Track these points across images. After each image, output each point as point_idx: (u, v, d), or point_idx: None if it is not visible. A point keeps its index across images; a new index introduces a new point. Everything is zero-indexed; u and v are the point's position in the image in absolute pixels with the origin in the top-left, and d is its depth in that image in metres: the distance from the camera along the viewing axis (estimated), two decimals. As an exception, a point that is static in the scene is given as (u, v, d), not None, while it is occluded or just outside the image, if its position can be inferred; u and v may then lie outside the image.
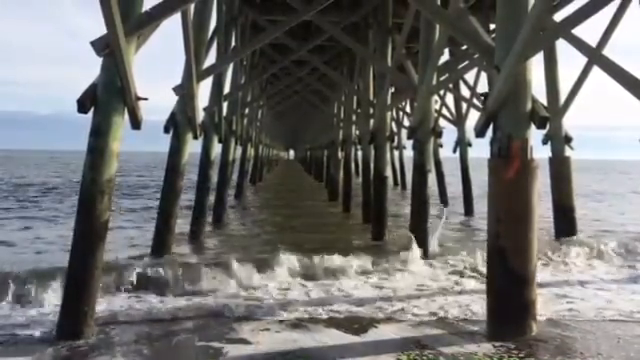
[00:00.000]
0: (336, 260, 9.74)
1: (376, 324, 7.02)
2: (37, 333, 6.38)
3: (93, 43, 6.27)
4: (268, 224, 16.70)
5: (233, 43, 16.07)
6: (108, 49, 6.28)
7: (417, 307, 7.77)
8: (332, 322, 7.07)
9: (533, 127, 6.78)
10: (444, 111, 23.71)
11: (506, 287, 6.52)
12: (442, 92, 23.44)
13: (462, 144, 22.85)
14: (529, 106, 6.71)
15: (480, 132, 7.11)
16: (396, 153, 36.79)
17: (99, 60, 6.52)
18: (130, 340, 6.34)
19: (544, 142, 14.51)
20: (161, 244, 10.32)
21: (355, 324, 7.00)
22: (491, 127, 6.95)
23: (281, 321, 7.07)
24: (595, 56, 11.39)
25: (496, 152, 6.79)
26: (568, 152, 14.40)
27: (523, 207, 6.56)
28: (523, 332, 6.38)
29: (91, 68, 6.84)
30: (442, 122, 23.59)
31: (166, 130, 10.69)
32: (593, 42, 11.68)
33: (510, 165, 6.60)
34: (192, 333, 6.60)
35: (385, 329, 6.83)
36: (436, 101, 20.42)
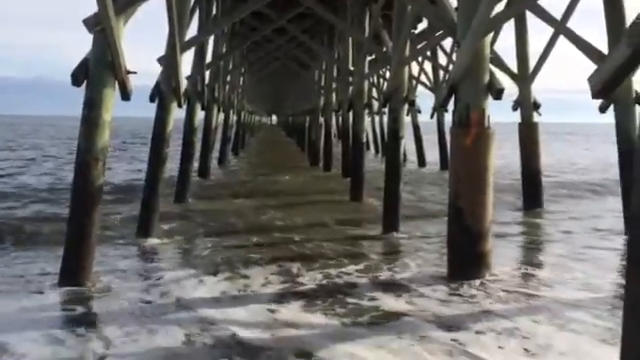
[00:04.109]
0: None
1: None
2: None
3: (85, 21, 6.74)
4: (250, 187, 17.50)
5: (214, 11, 16.37)
6: (99, 26, 6.76)
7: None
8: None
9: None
10: (422, 78, 24.44)
11: (463, 242, 7.31)
12: (420, 59, 24.03)
13: (439, 110, 23.77)
14: (487, 79, 7.37)
15: (443, 103, 7.78)
16: (377, 119, 37.44)
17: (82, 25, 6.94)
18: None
19: (514, 108, 15.22)
20: (147, 217, 10.53)
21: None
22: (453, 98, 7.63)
23: None
24: (560, 29, 12.01)
25: (457, 121, 7.48)
26: (536, 118, 15.19)
27: (480, 171, 7.30)
28: (478, 277, 7.20)
29: (75, 34, 7.23)
30: (420, 88, 24.40)
31: (151, 99, 11.16)
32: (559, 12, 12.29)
33: (469, 133, 7.30)
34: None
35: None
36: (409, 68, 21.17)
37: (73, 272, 6.98)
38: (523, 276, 7.68)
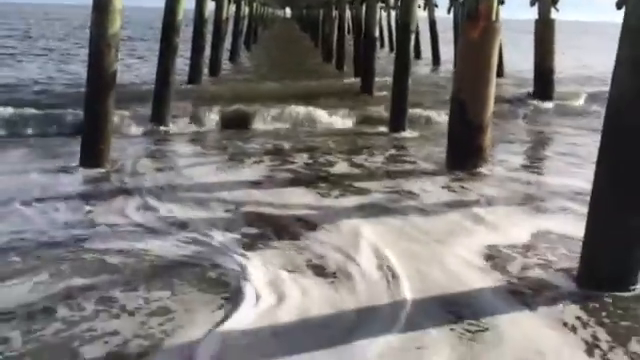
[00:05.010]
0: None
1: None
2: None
3: None
4: (259, 86, 17.43)
5: None
6: None
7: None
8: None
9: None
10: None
11: (463, 134, 7.58)
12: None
13: (456, 4, 22.95)
14: (498, -31, 7.25)
15: (453, -6, 7.68)
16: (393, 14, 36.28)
17: None
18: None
19: (532, 4, 14.82)
20: (160, 107, 10.72)
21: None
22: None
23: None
24: None
25: (466, 14, 7.47)
26: (553, 14, 14.76)
27: (483, 64, 7.39)
28: (474, 168, 7.56)
29: None
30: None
31: (161, -13, 11.03)
32: None
33: (476, 26, 7.31)
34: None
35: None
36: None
37: (93, 154, 7.43)
38: (514, 168, 8.04)
